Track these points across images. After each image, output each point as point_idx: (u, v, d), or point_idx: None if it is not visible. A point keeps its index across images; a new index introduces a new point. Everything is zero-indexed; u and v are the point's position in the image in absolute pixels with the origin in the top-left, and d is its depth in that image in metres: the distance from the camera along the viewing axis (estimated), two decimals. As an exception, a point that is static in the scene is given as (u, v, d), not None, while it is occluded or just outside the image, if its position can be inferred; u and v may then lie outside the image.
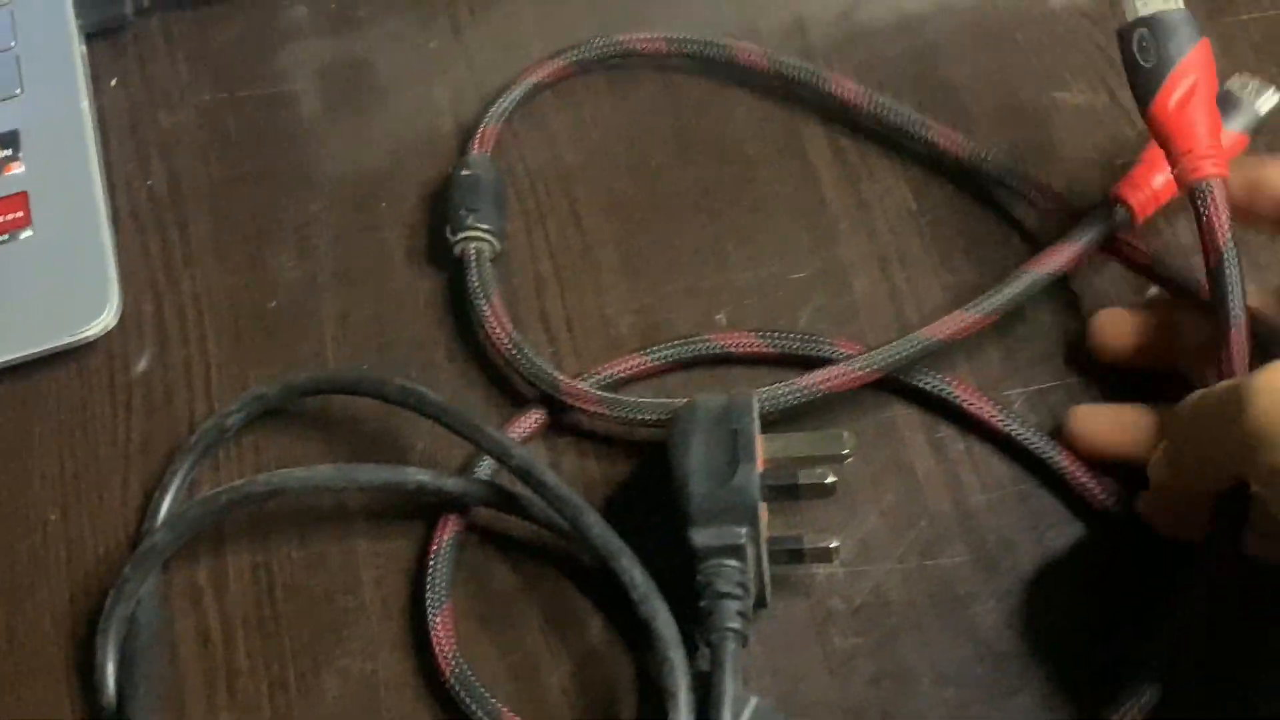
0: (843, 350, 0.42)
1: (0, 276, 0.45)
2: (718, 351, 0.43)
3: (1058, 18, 0.50)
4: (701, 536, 0.35)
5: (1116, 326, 0.41)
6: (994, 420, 0.41)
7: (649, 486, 0.41)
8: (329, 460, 0.43)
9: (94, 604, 0.41)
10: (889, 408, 0.42)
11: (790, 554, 0.38)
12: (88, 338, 0.44)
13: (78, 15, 0.51)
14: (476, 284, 0.44)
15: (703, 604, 0.35)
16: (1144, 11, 0.39)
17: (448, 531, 0.41)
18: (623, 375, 0.43)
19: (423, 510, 0.42)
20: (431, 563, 0.40)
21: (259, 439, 0.44)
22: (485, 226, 0.45)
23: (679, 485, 0.36)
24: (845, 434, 0.37)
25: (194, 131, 0.50)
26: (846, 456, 0.37)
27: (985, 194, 0.46)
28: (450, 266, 0.46)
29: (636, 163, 0.48)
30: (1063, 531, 0.40)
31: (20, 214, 0.46)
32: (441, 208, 0.46)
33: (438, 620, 0.39)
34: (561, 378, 0.42)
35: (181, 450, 0.43)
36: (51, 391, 0.45)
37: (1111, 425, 0.40)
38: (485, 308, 0.44)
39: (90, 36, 0.51)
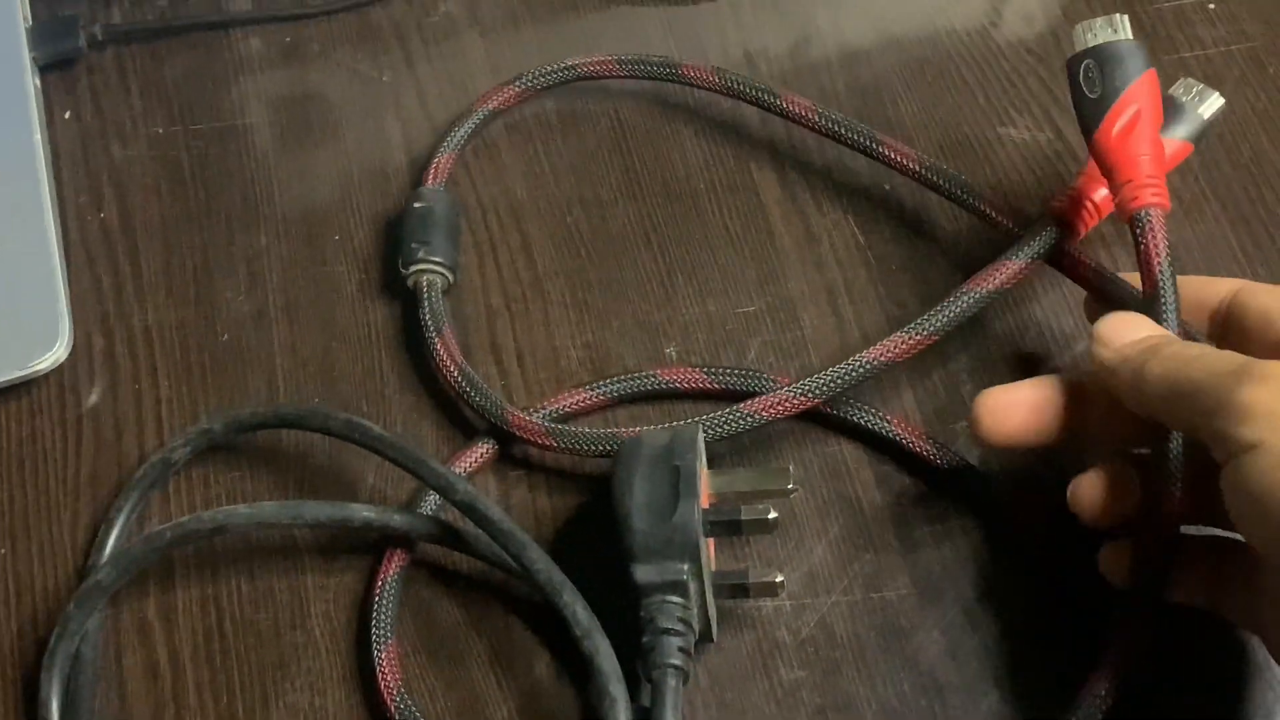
0: (785, 386, 0.42)
1: (-50, 310, 0.45)
2: (663, 387, 0.44)
3: (1003, 55, 0.50)
4: (643, 572, 0.35)
5: (1001, 411, 0.38)
6: (933, 458, 0.41)
7: (597, 520, 0.41)
8: (278, 493, 0.43)
9: (41, 639, 0.41)
10: (835, 443, 0.43)
11: (736, 588, 0.38)
12: (38, 372, 0.44)
13: (31, 47, 0.51)
14: (427, 316, 0.44)
15: (645, 639, 0.36)
16: (1091, 42, 0.39)
17: (392, 567, 0.41)
18: (570, 409, 0.43)
19: (371, 545, 0.42)
20: (377, 598, 0.40)
21: (209, 471, 0.44)
22: (437, 259, 0.45)
23: (621, 520, 0.36)
24: (788, 469, 0.37)
25: (146, 164, 0.50)
26: (790, 491, 0.37)
27: (932, 227, 0.47)
28: (402, 298, 0.46)
29: (587, 196, 0.49)
30: (1003, 564, 0.41)
31: (-30, 247, 0.46)
32: (395, 240, 0.47)
33: (383, 656, 0.39)
34: (510, 409, 0.42)
35: (128, 485, 0.43)
36: (1, 424, 0.45)
37: (1022, 406, 0.38)
38: (435, 340, 0.44)
39: (44, 68, 0.51)
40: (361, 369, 0.45)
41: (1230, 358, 0.33)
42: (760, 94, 0.47)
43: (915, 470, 0.42)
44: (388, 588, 0.40)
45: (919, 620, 0.40)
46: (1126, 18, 0.39)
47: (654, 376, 0.44)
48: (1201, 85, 0.43)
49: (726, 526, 0.36)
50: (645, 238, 0.48)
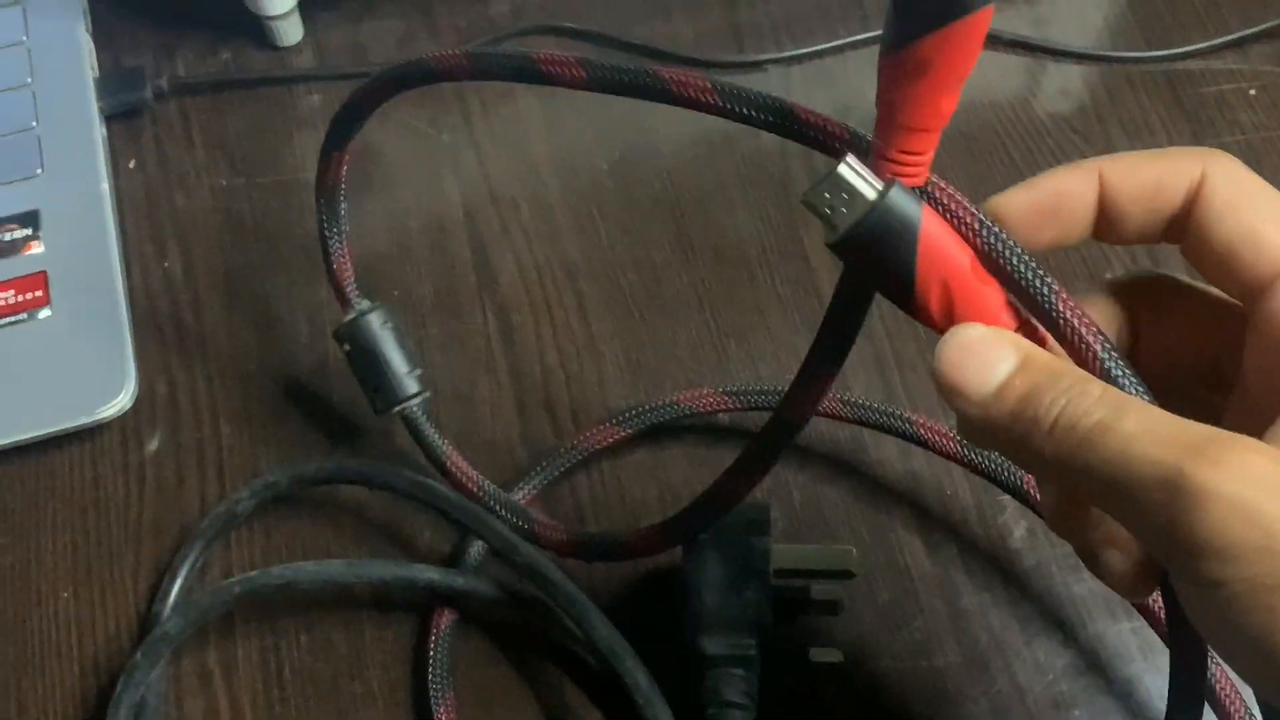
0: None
1: (18, 355, 0.46)
2: (685, 412, 0.45)
3: (1048, 132, 0.52)
4: (711, 644, 0.36)
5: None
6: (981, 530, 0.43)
7: (651, 586, 0.42)
8: (336, 545, 0.44)
9: (103, 682, 0.42)
10: (884, 512, 0.44)
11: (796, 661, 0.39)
12: (104, 419, 0.45)
13: (99, 98, 0.52)
14: (432, 441, 0.43)
15: (709, 711, 0.36)
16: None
17: (444, 623, 0.42)
18: (601, 445, 0.45)
19: (429, 599, 0.43)
20: (432, 653, 0.41)
21: (269, 522, 0.45)
22: (403, 394, 0.43)
23: (693, 592, 0.37)
24: (852, 550, 0.38)
25: (209, 215, 0.51)
26: (853, 574, 0.38)
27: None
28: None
29: (640, 258, 0.50)
30: (1051, 635, 0.42)
31: (39, 293, 0.47)
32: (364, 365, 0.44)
33: (441, 710, 0.40)
34: (538, 517, 0.42)
35: (192, 535, 0.44)
36: (65, 469, 0.46)
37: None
38: (449, 463, 0.43)
39: (110, 118, 0.52)
40: (419, 424, 0.46)
41: (1164, 448, 0.24)
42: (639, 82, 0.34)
43: (964, 538, 0.43)
44: (441, 643, 0.41)
45: (966, 688, 0.41)
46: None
47: (676, 404, 0.45)
48: None
49: (794, 605, 0.37)
50: (698, 301, 0.49)
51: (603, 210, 0.51)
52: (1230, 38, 0.54)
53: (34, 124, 0.51)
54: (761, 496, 0.44)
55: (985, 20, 0.25)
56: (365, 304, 0.43)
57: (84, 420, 0.45)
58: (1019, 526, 0.43)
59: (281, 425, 0.46)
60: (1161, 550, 0.25)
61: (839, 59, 0.55)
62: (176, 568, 0.43)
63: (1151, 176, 0.29)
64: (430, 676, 0.41)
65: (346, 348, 0.43)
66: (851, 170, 0.27)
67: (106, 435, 0.46)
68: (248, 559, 0.44)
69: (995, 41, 0.55)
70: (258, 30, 0.54)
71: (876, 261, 0.28)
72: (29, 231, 0.49)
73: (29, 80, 0.52)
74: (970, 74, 0.26)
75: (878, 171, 0.27)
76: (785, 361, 0.47)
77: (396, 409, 0.43)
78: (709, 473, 0.44)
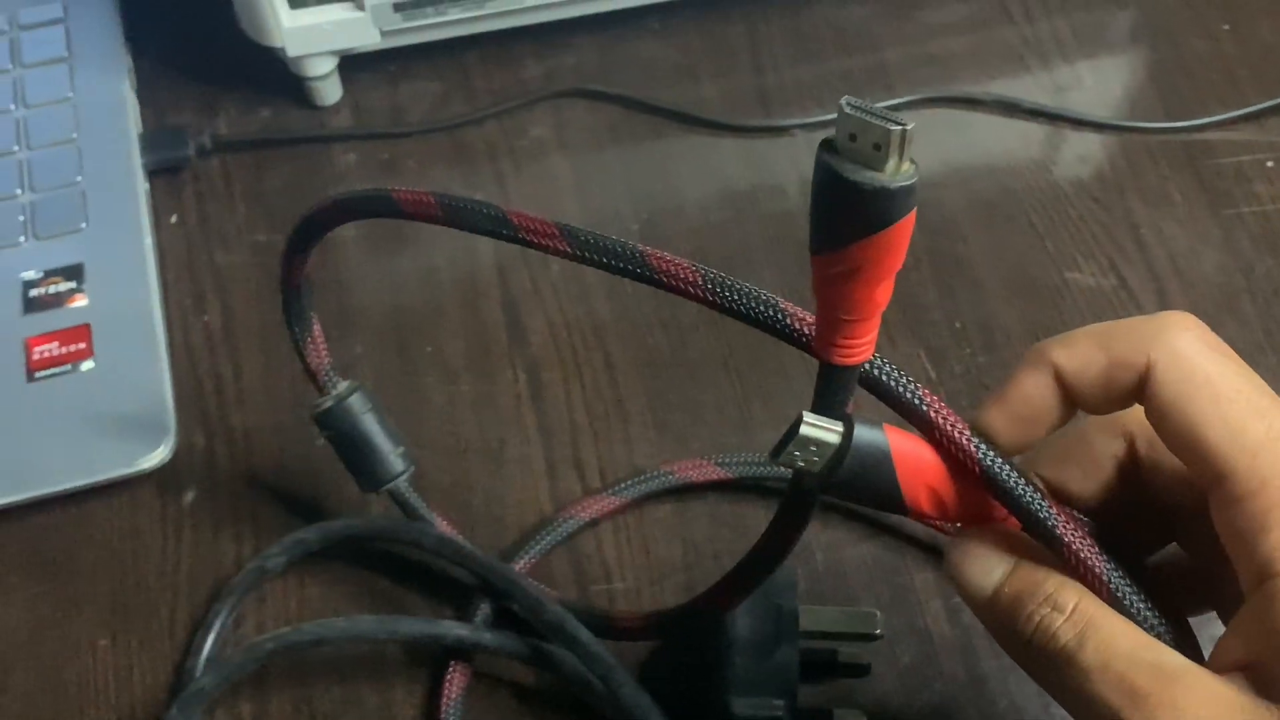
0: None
1: (62, 406, 0.47)
2: (678, 482, 0.46)
3: (1069, 200, 0.53)
4: (741, 705, 0.37)
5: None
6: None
7: (674, 646, 0.43)
8: (365, 600, 0.45)
9: (138, 732, 0.43)
10: (906, 574, 0.45)
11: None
12: (143, 470, 0.46)
13: (142, 153, 0.54)
14: (422, 514, 0.44)
15: None
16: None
17: (456, 682, 0.42)
18: (596, 515, 0.46)
19: (457, 655, 0.43)
20: (445, 710, 0.42)
21: (302, 577, 0.45)
22: (391, 473, 0.44)
23: (722, 652, 0.38)
24: (877, 614, 0.39)
25: (248, 270, 0.52)
26: (878, 637, 0.39)
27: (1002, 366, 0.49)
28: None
29: (667, 319, 0.51)
30: (1068, 700, 0.43)
31: (83, 345, 0.48)
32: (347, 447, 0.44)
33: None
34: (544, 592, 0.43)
35: (225, 590, 0.45)
36: (104, 519, 0.47)
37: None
38: (438, 532, 0.44)
39: (153, 174, 0.54)
40: (449, 479, 0.47)
41: (1113, 690, 0.28)
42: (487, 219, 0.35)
43: (983, 604, 0.44)
44: (455, 698, 0.42)
45: (985, 752, 0.42)
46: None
47: (670, 475, 0.46)
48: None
49: (822, 668, 0.38)
50: (723, 363, 0.50)
51: (631, 271, 0.52)
52: (1248, 110, 0.55)
53: (79, 178, 0.53)
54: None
55: (910, 223, 0.25)
56: (343, 387, 0.43)
57: (124, 471, 0.46)
58: (1038, 591, 0.44)
59: (315, 480, 0.47)
60: None
61: (863, 125, 0.56)
62: (210, 622, 0.44)
63: (1100, 368, 0.30)
64: (443, 731, 0.42)
65: (327, 433, 0.43)
66: (812, 426, 0.29)
67: (145, 487, 0.47)
68: (280, 613, 0.45)
69: (1015, 109, 0.56)
70: (298, 90, 0.56)
71: (862, 490, 0.30)
72: (73, 285, 0.50)
73: (75, 135, 0.54)
74: (902, 262, 0.27)
75: (827, 357, 0.28)
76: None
77: (384, 489, 0.44)
78: (730, 531, 0.46)
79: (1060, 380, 0.31)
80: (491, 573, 0.43)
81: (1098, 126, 0.56)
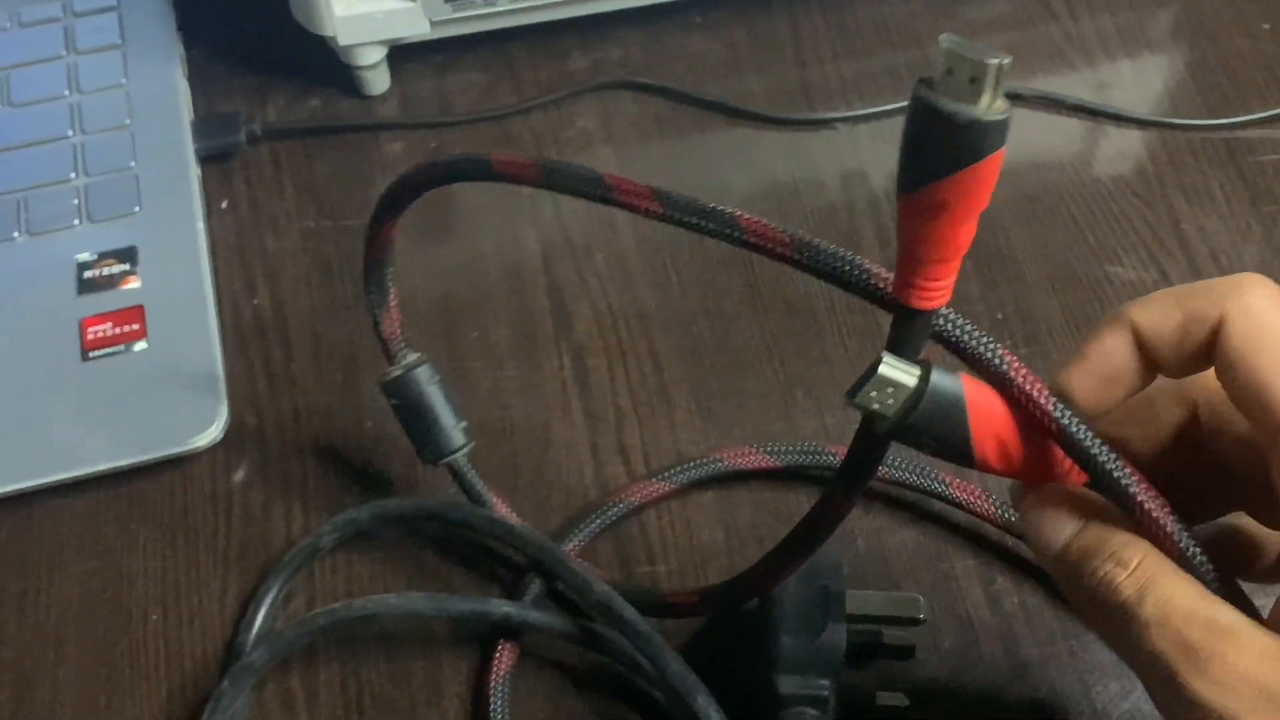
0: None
1: (115, 385, 0.48)
2: (727, 469, 0.47)
3: (1111, 195, 0.53)
4: (787, 684, 0.38)
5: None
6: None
7: (720, 628, 0.44)
8: (414, 578, 0.46)
9: (189, 702, 0.43)
10: (948, 561, 0.45)
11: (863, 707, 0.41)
12: (196, 449, 0.47)
13: (194, 140, 0.54)
14: (478, 490, 0.45)
15: None
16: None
17: (505, 660, 0.43)
18: (643, 500, 0.46)
19: (506, 634, 0.44)
20: (494, 689, 0.42)
21: (351, 555, 0.46)
22: (452, 447, 0.45)
23: (770, 633, 0.38)
24: (920, 599, 0.40)
25: (297, 255, 0.53)
26: (921, 621, 0.39)
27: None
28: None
29: (711, 309, 0.52)
30: (1109, 686, 0.43)
31: (136, 326, 0.49)
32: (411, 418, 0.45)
33: (510, 743, 0.42)
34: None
35: (275, 567, 0.45)
36: (156, 496, 0.47)
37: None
38: (494, 510, 0.45)
39: (204, 160, 0.55)
40: (496, 462, 0.48)
41: (1170, 642, 0.29)
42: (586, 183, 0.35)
43: (1027, 587, 0.45)
44: (503, 679, 0.42)
45: (1026, 737, 0.42)
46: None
47: (717, 462, 0.46)
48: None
49: (867, 649, 0.39)
50: (767, 351, 0.50)
51: (675, 261, 0.53)
52: (1289, 107, 0.56)
53: (132, 164, 0.54)
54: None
55: (998, 161, 0.26)
56: (412, 358, 0.44)
57: (176, 449, 0.47)
58: (1079, 580, 0.44)
59: (364, 459, 0.48)
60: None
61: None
62: (261, 598, 0.45)
63: (1176, 323, 0.31)
64: (492, 709, 0.42)
65: (394, 402, 0.44)
66: (891, 367, 0.29)
67: (197, 465, 0.48)
68: (329, 590, 0.46)
69: (1058, 105, 0.57)
70: (347, 79, 0.57)
71: (932, 437, 0.30)
72: (127, 266, 0.51)
73: (128, 121, 0.55)
74: (986, 203, 0.27)
75: (905, 300, 0.28)
76: (850, 413, 0.48)
77: (444, 460, 0.45)
78: (773, 518, 0.46)
79: (1138, 338, 0.31)
80: (540, 552, 0.43)
81: (1139, 123, 0.56)
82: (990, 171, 0.26)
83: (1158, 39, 0.59)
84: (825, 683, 0.38)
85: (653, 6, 0.58)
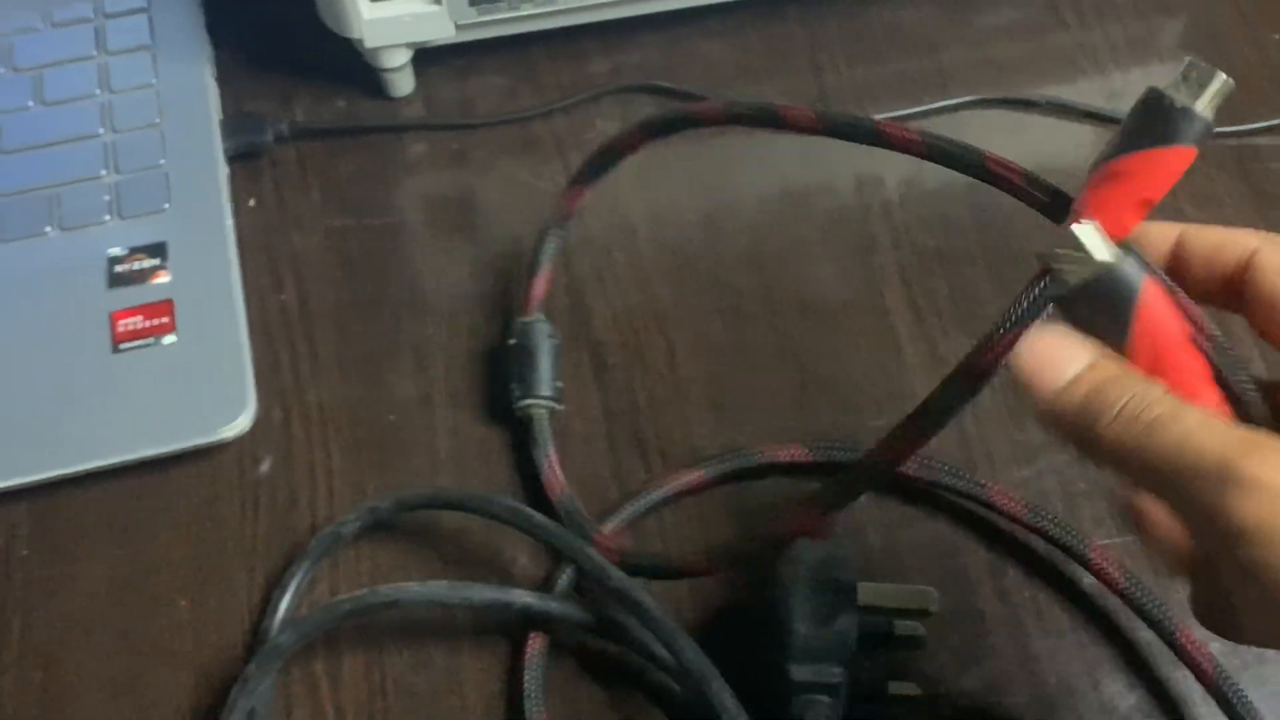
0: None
1: (145, 377, 0.49)
2: (766, 462, 0.48)
3: (1121, 200, 0.54)
4: (799, 672, 0.39)
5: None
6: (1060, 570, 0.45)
7: (737, 618, 0.45)
8: (438, 567, 0.47)
9: (215, 685, 0.44)
10: (960, 555, 0.46)
11: (875, 695, 0.42)
12: (224, 440, 0.48)
13: (223, 139, 0.56)
14: (538, 443, 0.48)
15: None
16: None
17: (536, 648, 0.44)
18: (682, 489, 0.48)
19: (525, 621, 0.45)
20: (527, 673, 0.44)
21: (373, 544, 0.47)
22: (543, 394, 0.49)
23: (782, 622, 0.39)
24: (933, 591, 0.41)
25: (322, 253, 0.54)
26: (932, 613, 0.40)
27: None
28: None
29: (726, 307, 0.53)
30: (1115, 680, 0.44)
31: (166, 320, 0.50)
32: (502, 370, 0.50)
33: (536, 728, 0.43)
34: (599, 532, 0.46)
35: (300, 555, 0.46)
36: (184, 486, 0.49)
37: None
38: (545, 464, 0.48)
39: (232, 159, 0.56)
40: (520, 456, 0.49)
41: (1219, 440, 0.28)
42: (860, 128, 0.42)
43: (1036, 582, 0.45)
44: (534, 667, 0.43)
45: (1034, 728, 0.43)
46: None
47: (760, 454, 0.48)
48: (1199, 70, 0.31)
49: (878, 639, 0.40)
50: (780, 349, 0.51)
51: (691, 261, 0.54)
52: (1296, 117, 0.57)
53: (162, 161, 0.55)
54: (839, 536, 0.46)
55: (1186, 160, 0.31)
56: (541, 316, 0.50)
57: (204, 440, 0.48)
58: (1087, 574, 0.45)
59: (387, 452, 0.49)
60: (1207, 534, 0.29)
61: (920, 125, 0.57)
62: (286, 584, 0.46)
63: (1215, 237, 0.34)
64: (526, 694, 0.43)
65: (513, 340, 0.49)
66: (1091, 233, 0.30)
67: (224, 456, 0.49)
68: (353, 578, 0.47)
69: (1069, 111, 0.57)
70: (372, 81, 0.58)
71: (1095, 318, 0.31)
72: (157, 261, 0.52)
73: (158, 120, 0.56)
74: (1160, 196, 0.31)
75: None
76: (864, 412, 0.50)
77: (528, 402, 0.48)
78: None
79: (1179, 240, 0.34)
80: (558, 539, 0.44)
81: (1149, 130, 0.57)
82: (1177, 160, 0.30)
83: (1167, 48, 0.60)
84: (838, 670, 0.39)
85: (670, 12, 0.59)
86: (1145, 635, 0.44)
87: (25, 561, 0.47)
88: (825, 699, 0.39)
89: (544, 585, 0.46)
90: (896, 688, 0.42)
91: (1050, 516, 0.45)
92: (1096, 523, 0.47)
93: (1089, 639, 0.44)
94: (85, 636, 0.46)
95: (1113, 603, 0.45)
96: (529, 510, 0.45)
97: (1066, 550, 0.45)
